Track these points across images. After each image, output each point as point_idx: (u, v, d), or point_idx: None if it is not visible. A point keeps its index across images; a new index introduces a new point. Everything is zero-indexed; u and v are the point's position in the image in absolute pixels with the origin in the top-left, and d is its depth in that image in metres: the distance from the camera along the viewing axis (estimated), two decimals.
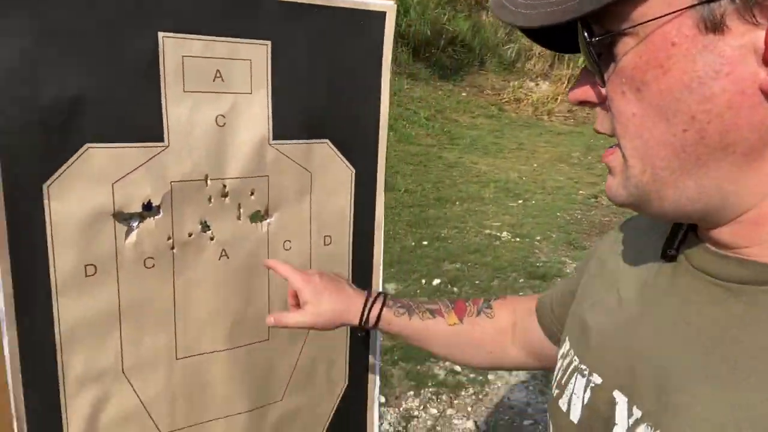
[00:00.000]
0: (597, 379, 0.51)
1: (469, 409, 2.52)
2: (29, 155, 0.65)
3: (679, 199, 0.43)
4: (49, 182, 0.67)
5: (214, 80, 0.75)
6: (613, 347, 0.51)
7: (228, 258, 0.81)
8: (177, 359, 0.80)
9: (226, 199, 0.79)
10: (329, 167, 0.86)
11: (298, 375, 0.91)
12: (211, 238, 0.79)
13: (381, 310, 0.79)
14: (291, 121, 0.81)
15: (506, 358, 0.80)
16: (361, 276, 0.94)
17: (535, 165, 6.58)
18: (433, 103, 8.68)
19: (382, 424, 2.33)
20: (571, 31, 0.44)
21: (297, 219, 0.86)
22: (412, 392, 2.58)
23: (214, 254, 0.80)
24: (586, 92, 0.46)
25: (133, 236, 0.73)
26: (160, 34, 0.70)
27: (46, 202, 0.67)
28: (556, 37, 0.48)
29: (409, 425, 2.40)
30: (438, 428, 2.40)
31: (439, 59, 10.10)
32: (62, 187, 0.68)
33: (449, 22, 10.18)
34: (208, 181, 0.77)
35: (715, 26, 0.37)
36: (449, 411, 2.50)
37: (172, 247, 0.76)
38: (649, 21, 0.38)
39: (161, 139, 0.72)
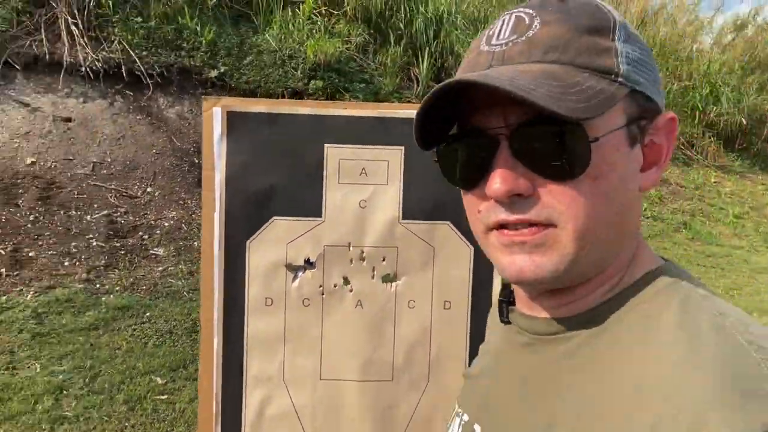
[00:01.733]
0: (466, 417, 0.68)
1: None
2: (241, 222, 1.04)
3: (587, 271, 0.55)
4: (249, 240, 1.04)
5: (360, 175, 1.04)
6: (477, 393, 0.69)
7: (362, 308, 1.06)
8: (320, 379, 1.06)
9: (364, 262, 1.05)
10: (450, 244, 1.05)
11: (417, 418, 1.08)
12: (351, 290, 1.06)
13: None
14: (417, 205, 1.04)
15: None
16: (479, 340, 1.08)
17: None
18: (747, 199, 7.54)
19: None
20: (444, 128, 0.57)
21: (421, 283, 1.06)
22: None
23: (352, 303, 1.06)
24: (518, 186, 0.52)
25: (297, 282, 1.05)
26: (326, 146, 1.03)
27: (247, 253, 1.04)
28: (432, 133, 0.57)
29: None
30: None
31: (762, 150, 8.78)
32: (257, 244, 1.04)
33: None
34: (351, 248, 1.05)
35: (632, 142, 0.54)
36: None
37: (322, 294, 1.05)
38: (609, 132, 0.52)
39: (320, 215, 1.04)
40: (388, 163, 1.04)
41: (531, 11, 0.53)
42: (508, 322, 0.66)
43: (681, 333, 0.48)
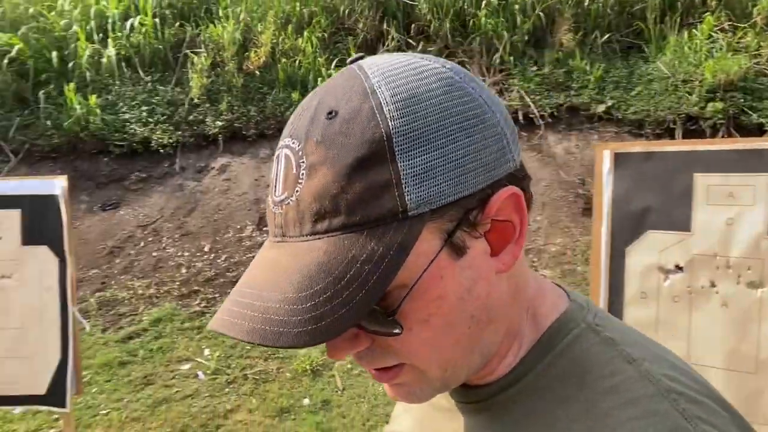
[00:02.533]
0: None
1: None
2: (622, 234, 1.39)
3: (469, 372, 0.52)
4: (627, 248, 1.38)
5: (727, 197, 1.27)
6: None
7: (727, 307, 1.27)
8: (689, 362, 1.31)
9: (729, 269, 1.26)
10: None
11: None
12: (716, 292, 1.28)
13: None
14: None
15: None
16: None
17: None
18: None
19: None
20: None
21: None
22: None
23: (717, 303, 1.28)
24: (352, 346, 0.48)
25: (668, 281, 1.34)
26: (695, 174, 1.30)
27: (626, 258, 1.38)
28: None
29: None
30: None
31: None
32: (634, 251, 1.37)
33: None
34: (717, 257, 1.27)
35: (460, 251, 0.46)
36: None
37: (690, 293, 1.31)
38: (420, 276, 0.44)
39: (689, 230, 1.31)
40: (755, 187, 1.24)
41: (297, 146, 0.45)
42: None
43: (589, 393, 0.48)
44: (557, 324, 0.53)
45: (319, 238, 0.44)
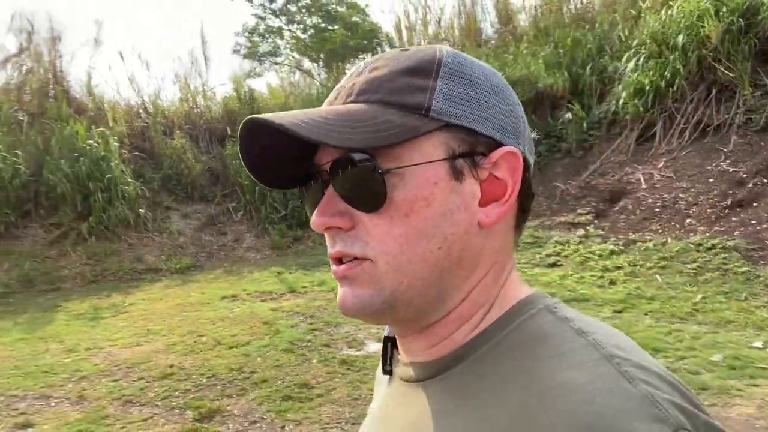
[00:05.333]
0: None
1: None
2: None
3: (422, 305, 0.54)
4: None
5: None
6: None
7: None
8: None
9: None
10: None
11: None
12: None
13: None
14: None
15: None
16: None
17: None
18: None
19: None
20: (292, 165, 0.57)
21: None
22: None
23: None
24: (334, 221, 0.54)
25: None
26: None
27: None
28: (273, 172, 0.58)
29: None
30: None
31: None
32: None
33: None
34: None
35: (457, 176, 0.53)
36: None
37: None
38: (418, 164, 0.51)
39: None
40: None
41: (372, 60, 0.57)
42: (390, 373, 0.64)
43: (548, 362, 0.48)
44: (518, 305, 0.56)
45: (356, 104, 0.54)
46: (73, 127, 8.84)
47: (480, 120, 0.53)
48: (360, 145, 0.50)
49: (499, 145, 0.54)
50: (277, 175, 0.59)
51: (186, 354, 4.51)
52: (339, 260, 0.55)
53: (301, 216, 9.03)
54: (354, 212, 0.53)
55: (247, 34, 14.45)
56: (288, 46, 14.61)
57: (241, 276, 7.25)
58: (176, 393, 3.78)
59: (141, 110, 10.75)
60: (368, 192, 0.52)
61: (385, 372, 0.65)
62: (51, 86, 9.78)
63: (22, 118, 9.03)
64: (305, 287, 6.37)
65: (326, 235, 0.56)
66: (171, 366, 4.24)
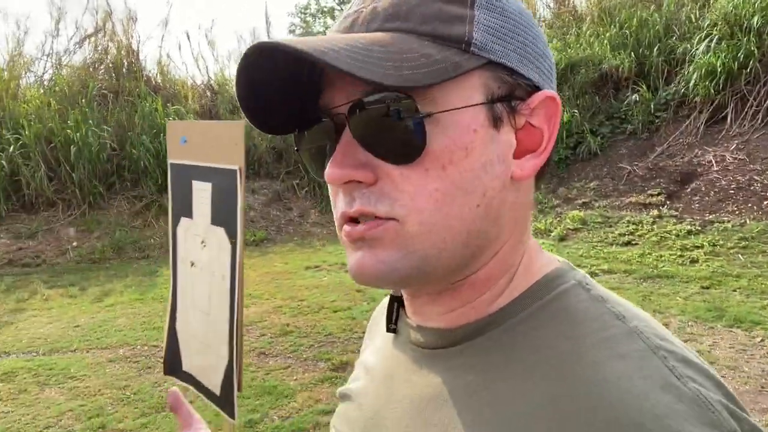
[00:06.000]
0: None
1: None
2: None
3: (454, 268, 0.48)
4: None
5: None
6: (362, 416, 0.58)
7: None
8: None
9: None
10: None
11: None
12: None
13: None
14: None
15: None
16: None
17: None
18: None
19: None
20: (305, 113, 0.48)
21: None
22: None
23: None
24: (356, 173, 0.45)
25: None
26: None
27: None
28: (278, 117, 0.50)
29: None
30: None
31: None
32: None
33: None
34: None
35: (496, 122, 0.46)
36: None
37: None
38: (458, 108, 0.44)
39: None
40: None
41: None
42: (395, 331, 0.59)
43: (588, 344, 0.44)
44: (546, 277, 0.51)
45: (386, 32, 0.45)
46: (152, 104, 9.25)
47: (521, 59, 0.48)
48: (400, 83, 0.41)
49: (537, 88, 0.49)
50: (269, 118, 0.50)
51: (295, 316, 4.89)
52: (352, 220, 0.48)
53: None
54: (378, 163, 0.46)
55: (300, 14, 14.68)
56: None
57: (315, 248, 7.60)
58: (302, 347, 4.16)
59: (207, 89, 11.12)
60: (403, 140, 0.44)
61: (389, 330, 0.59)
62: (126, 65, 10.19)
63: (107, 95, 9.48)
64: None
65: (339, 192, 0.48)
66: (287, 325, 4.62)
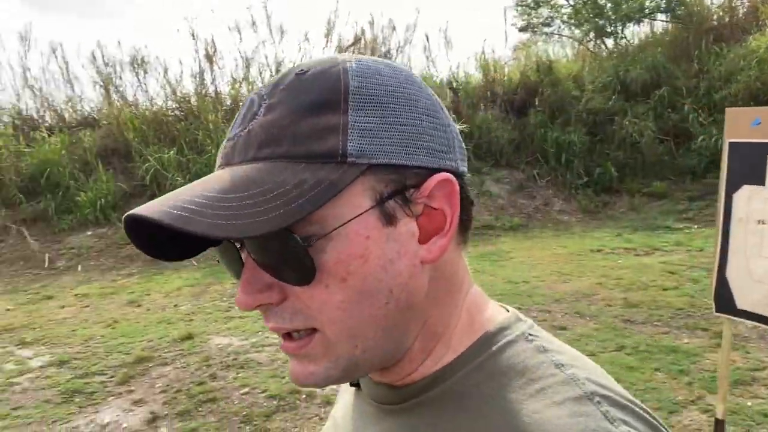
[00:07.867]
0: None
1: None
2: None
3: (383, 358, 0.51)
4: None
5: None
6: None
7: None
8: None
9: None
10: None
11: None
12: None
13: None
14: None
15: None
16: None
17: None
18: None
19: None
20: (192, 241, 0.48)
21: None
22: None
23: None
24: (263, 297, 0.47)
25: None
26: None
27: None
28: (168, 247, 0.49)
29: None
30: None
31: None
32: None
33: None
34: None
35: (390, 220, 0.47)
36: None
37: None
38: (345, 223, 0.45)
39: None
40: None
41: (264, 92, 0.49)
42: (357, 386, 0.61)
43: (522, 392, 0.48)
44: (491, 332, 0.53)
45: (259, 162, 0.45)
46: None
47: (406, 150, 0.47)
48: (271, 227, 0.41)
49: (431, 171, 0.49)
50: (171, 253, 0.50)
51: (629, 291, 5.25)
52: (288, 333, 0.50)
53: (604, 182, 9.33)
54: (283, 284, 0.47)
55: (519, 7, 14.77)
56: (561, 16, 14.62)
57: (575, 234, 7.76)
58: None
59: (447, 88, 11.87)
60: (294, 267, 0.45)
61: (352, 384, 0.62)
62: None
63: None
64: (665, 244, 6.76)
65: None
66: (624, 299, 5.04)
